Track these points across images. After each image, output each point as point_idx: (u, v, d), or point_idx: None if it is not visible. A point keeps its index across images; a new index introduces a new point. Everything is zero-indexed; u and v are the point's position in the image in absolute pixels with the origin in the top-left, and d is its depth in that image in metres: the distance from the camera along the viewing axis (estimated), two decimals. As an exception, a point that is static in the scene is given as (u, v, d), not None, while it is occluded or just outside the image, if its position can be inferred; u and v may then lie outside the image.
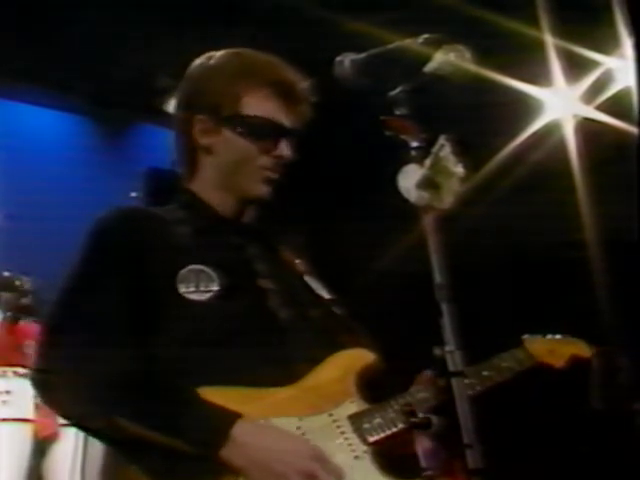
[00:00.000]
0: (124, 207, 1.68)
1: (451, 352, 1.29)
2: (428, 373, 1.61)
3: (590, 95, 4.93)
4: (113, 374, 1.41)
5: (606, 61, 4.76)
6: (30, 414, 3.87)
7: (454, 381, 1.29)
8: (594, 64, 4.80)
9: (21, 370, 3.86)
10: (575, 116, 5.00)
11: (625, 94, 4.60)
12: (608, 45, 4.65)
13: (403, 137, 1.42)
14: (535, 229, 4.36)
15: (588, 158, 4.80)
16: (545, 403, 4.19)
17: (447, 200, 1.37)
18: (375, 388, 1.54)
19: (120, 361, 1.42)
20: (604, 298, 4.57)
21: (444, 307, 1.31)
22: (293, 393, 1.48)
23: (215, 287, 1.53)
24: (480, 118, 4.31)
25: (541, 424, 4.42)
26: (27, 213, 4.85)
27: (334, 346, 1.57)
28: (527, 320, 1.90)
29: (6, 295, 4.24)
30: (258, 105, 1.64)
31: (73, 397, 1.43)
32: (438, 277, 1.33)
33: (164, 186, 1.71)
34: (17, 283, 4.24)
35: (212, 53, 1.73)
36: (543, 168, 4.73)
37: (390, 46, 1.50)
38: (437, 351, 1.31)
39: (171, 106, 1.86)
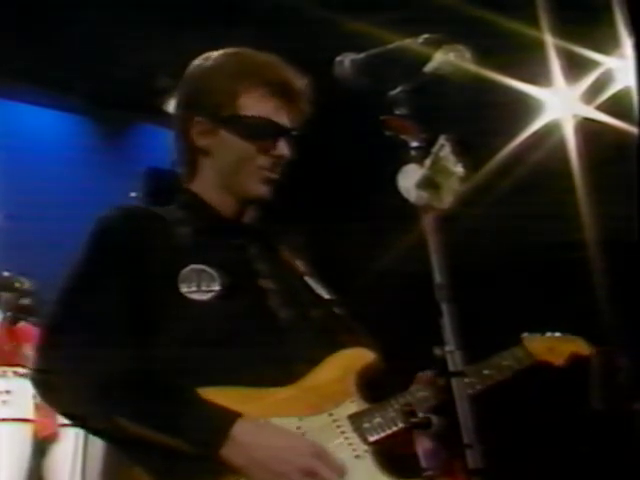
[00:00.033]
0: (125, 207, 1.68)
1: (451, 352, 1.29)
2: (428, 373, 1.61)
3: (590, 95, 4.93)
4: (113, 374, 1.41)
5: (606, 61, 4.76)
6: (30, 414, 3.87)
7: (454, 381, 1.29)
8: (594, 64, 4.80)
9: (21, 370, 3.86)
10: (575, 116, 5.00)
11: (625, 94, 4.60)
12: (608, 45, 4.65)
13: (403, 137, 1.42)
14: (535, 229, 4.36)
15: (588, 158, 4.80)
16: (545, 402, 4.19)
17: (447, 200, 1.37)
18: (375, 388, 1.54)
19: (120, 361, 1.42)
20: (604, 298, 4.56)
21: (444, 307, 1.31)
22: (293, 393, 1.48)
23: (216, 287, 1.53)
24: (480, 118, 4.31)
25: (541, 424, 4.42)
26: (27, 213, 4.86)
27: (334, 346, 1.57)
28: (527, 320, 1.90)
29: (6, 295, 4.24)
30: (255, 105, 1.64)
31: (73, 397, 1.43)
32: (438, 277, 1.33)
33: (164, 186, 1.71)
34: (17, 283, 4.24)
35: (210, 53, 1.73)
36: (543, 168, 4.73)
37: (390, 46, 1.50)
38: (437, 351, 1.31)
39: (171, 106, 1.86)
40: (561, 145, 4.96)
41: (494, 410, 1.88)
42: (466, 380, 1.31)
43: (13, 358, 3.98)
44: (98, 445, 3.80)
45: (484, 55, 1.51)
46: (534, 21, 4.46)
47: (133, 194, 4.66)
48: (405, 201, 1.37)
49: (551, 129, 5.06)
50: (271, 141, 1.64)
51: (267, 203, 1.68)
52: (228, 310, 1.52)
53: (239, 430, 1.37)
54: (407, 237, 2.40)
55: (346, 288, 1.80)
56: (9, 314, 4.21)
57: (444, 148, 1.37)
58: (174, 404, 1.41)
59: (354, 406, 1.50)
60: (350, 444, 1.46)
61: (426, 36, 1.46)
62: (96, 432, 1.51)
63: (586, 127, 4.89)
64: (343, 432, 1.47)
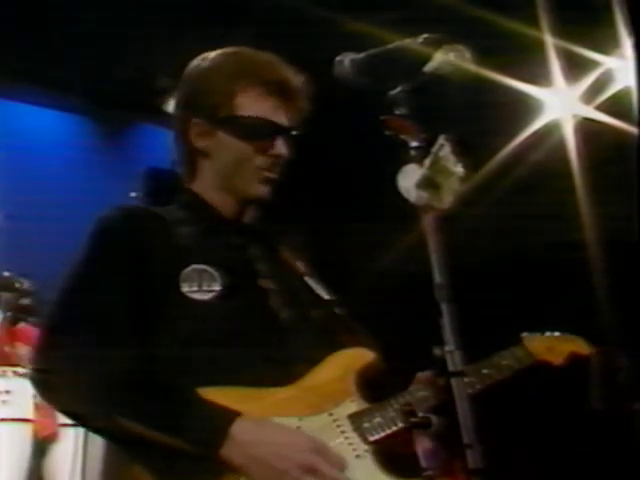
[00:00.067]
0: (125, 206, 1.67)
1: (451, 352, 1.29)
2: (428, 373, 1.61)
3: (590, 95, 4.93)
4: (114, 374, 1.41)
5: (606, 61, 4.76)
6: (30, 414, 3.87)
7: (454, 381, 1.29)
8: (594, 64, 4.80)
9: (21, 370, 3.86)
10: (575, 116, 5.00)
11: (625, 94, 4.60)
12: (608, 45, 4.65)
13: (403, 137, 1.42)
14: (535, 229, 4.37)
15: (588, 158, 4.80)
16: (545, 402, 4.19)
17: (447, 200, 1.37)
18: (375, 387, 1.54)
19: (120, 361, 1.42)
20: (604, 298, 4.57)
21: (444, 307, 1.31)
22: (293, 393, 1.48)
23: (217, 287, 1.53)
24: (480, 118, 4.32)
25: (541, 423, 4.42)
26: (27, 213, 4.86)
27: (334, 346, 1.56)
28: (527, 321, 1.90)
29: (6, 295, 4.24)
30: (252, 104, 1.63)
31: (74, 397, 1.43)
32: (438, 277, 1.33)
33: (164, 186, 1.71)
34: (17, 283, 4.24)
35: (207, 54, 1.72)
36: (543, 168, 4.74)
37: (390, 46, 1.50)
38: (437, 351, 1.31)
39: (171, 106, 1.86)
40: (561, 145, 4.96)
41: (494, 410, 1.88)
42: (466, 380, 1.31)
43: (13, 358, 3.98)
44: (98, 445, 3.80)
45: (484, 55, 1.51)
46: (534, 21, 4.47)
47: (133, 194, 4.67)
48: (405, 201, 1.37)
49: (551, 129, 5.07)
50: (269, 141, 1.63)
51: (267, 203, 1.68)
52: (229, 310, 1.52)
53: (238, 429, 1.37)
54: (407, 237, 2.40)
55: (346, 288, 1.80)
56: (9, 314, 4.21)
57: (444, 148, 1.37)
58: (174, 404, 1.41)
59: (354, 406, 1.50)
60: (350, 444, 1.46)
61: (426, 36, 1.46)
62: (96, 431, 1.52)
63: (586, 127, 4.90)
64: (343, 432, 1.47)
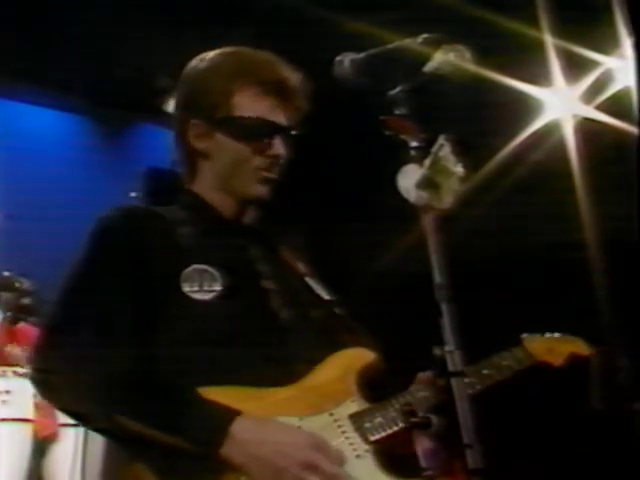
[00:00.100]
0: (126, 206, 1.68)
1: (451, 352, 1.29)
2: (428, 373, 1.61)
3: (590, 95, 4.93)
4: (114, 373, 1.41)
5: (606, 61, 4.76)
6: (30, 414, 3.87)
7: (454, 381, 1.29)
8: (594, 64, 4.80)
9: (21, 370, 3.86)
10: (575, 116, 5.00)
11: (625, 94, 4.60)
12: (608, 45, 4.65)
13: (403, 137, 1.42)
14: (535, 229, 4.36)
15: (588, 158, 4.80)
16: (545, 403, 4.19)
17: (447, 200, 1.37)
18: (375, 387, 1.55)
19: (121, 360, 1.42)
20: (604, 298, 4.57)
21: (444, 307, 1.31)
22: (293, 393, 1.48)
23: (218, 287, 1.53)
24: (480, 118, 4.32)
25: (541, 424, 4.42)
26: (27, 213, 4.86)
27: (335, 346, 1.57)
28: (527, 321, 1.90)
29: (6, 295, 4.24)
30: (250, 104, 1.63)
31: (74, 396, 1.43)
32: (438, 277, 1.33)
33: (164, 186, 1.71)
34: (17, 283, 4.24)
35: (205, 54, 1.72)
36: (543, 168, 4.73)
37: (390, 46, 1.50)
38: (437, 351, 1.31)
39: (171, 106, 1.86)
40: (561, 145, 4.96)
41: (494, 410, 1.88)
42: (466, 380, 1.31)
43: (13, 358, 3.98)
44: (98, 444, 3.80)
45: (484, 55, 1.51)
46: (534, 21, 4.47)
47: (133, 194, 4.67)
48: (405, 201, 1.37)
49: (551, 129, 5.06)
50: (267, 141, 1.63)
51: (267, 203, 1.68)
52: (229, 310, 1.52)
53: (238, 428, 1.37)
54: (407, 237, 2.40)
55: (346, 288, 1.80)
56: (9, 314, 4.21)
57: (444, 148, 1.37)
58: (174, 403, 1.41)
59: (355, 406, 1.50)
60: (351, 444, 1.46)
61: (426, 36, 1.46)
62: (97, 430, 1.52)
63: (586, 127, 4.89)
64: (344, 432, 1.47)
